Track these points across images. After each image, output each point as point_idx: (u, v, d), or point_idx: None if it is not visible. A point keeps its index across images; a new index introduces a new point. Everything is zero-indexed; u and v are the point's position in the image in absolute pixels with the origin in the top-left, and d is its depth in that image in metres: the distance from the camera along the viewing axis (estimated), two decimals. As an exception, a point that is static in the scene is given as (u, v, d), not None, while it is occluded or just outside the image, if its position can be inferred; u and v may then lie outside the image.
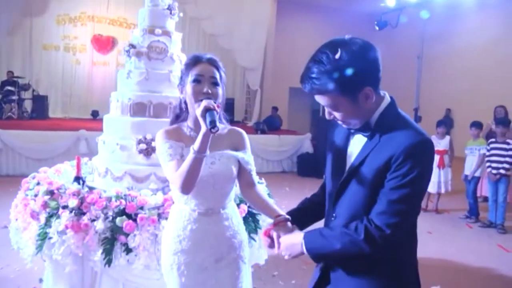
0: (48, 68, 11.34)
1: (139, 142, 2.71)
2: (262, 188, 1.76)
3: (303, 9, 12.96)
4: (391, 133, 1.23)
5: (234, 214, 1.74)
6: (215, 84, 1.59)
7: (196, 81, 1.58)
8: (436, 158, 5.86)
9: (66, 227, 2.30)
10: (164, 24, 3.05)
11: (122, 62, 11.22)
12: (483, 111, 8.34)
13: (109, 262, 2.26)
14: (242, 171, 1.67)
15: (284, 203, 2.17)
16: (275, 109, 11.56)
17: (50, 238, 2.34)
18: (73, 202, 2.38)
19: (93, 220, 2.32)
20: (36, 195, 2.57)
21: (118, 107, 2.92)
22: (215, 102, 1.50)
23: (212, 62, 1.62)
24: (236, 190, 1.79)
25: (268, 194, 2.64)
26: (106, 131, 2.99)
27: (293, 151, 8.89)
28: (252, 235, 2.46)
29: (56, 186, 2.56)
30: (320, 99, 1.26)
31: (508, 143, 5.08)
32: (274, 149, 8.66)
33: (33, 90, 10.17)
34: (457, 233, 5.10)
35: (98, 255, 2.27)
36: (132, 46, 2.98)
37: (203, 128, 1.42)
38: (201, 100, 1.50)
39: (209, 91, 1.56)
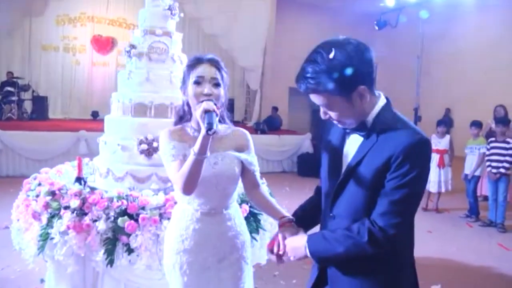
0: (48, 69, 11.33)
1: (140, 142, 2.72)
2: (264, 188, 1.77)
3: (303, 9, 12.97)
4: (389, 132, 1.24)
5: (237, 214, 1.74)
6: (217, 85, 1.60)
7: (197, 82, 1.58)
8: (436, 157, 5.88)
9: (68, 228, 2.31)
10: (165, 24, 3.05)
11: (122, 62, 11.23)
12: (483, 110, 8.35)
13: (111, 263, 2.27)
14: (246, 172, 1.67)
15: (284, 203, 2.17)
16: (275, 109, 11.56)
17: (52, 238, 2.34)
18: (75, 203, 2.39)
19: (95, 221, 2.33)
20: (37, 196, 2.58)
21: (119, 108, 2.92)
22: (215, 103, 1.51)
23: (213, 63, 1.62)
24: (238, 190, 1.79)
25: (270, 193, 2.65)
26: (107, 132, 3.00)
27: (293, 151, 8.90)
28: (253, 235, 2.47)
29: (57, 187, 2.57)
30: (315, 99, 1.27)
31: (508, 142, 5.09)
32: (274, 149, 8.67)
33: (33, 91, 10.17)
34: (458, 232, 5.10)
35: (100, 255, 2.28)
36: (133, 46, 2.99)
37: (203, 130, 1.43)
38: (202, 102, 1.50)
39: (210, 92, 1.57)
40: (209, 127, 1.41)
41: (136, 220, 2.31)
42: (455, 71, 11.96)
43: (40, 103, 10.00)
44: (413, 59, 8.90)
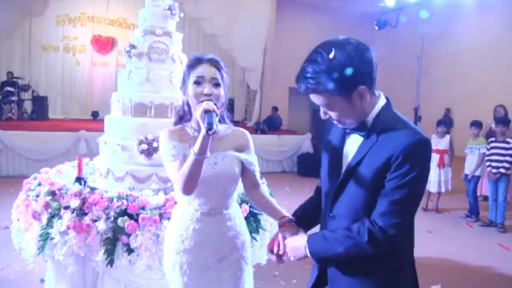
0: (48, 69, 11.33)
1: (141, 142, 2.72)
2: (264, 188, 1.77)
3: (303, 9, 12.97)
4: (389, 132, 1.24)
5: (237, 214, 1.74)
6: (216, 85, 1.59)
7: (197, 82, 1.58)
8: (436, 157, 5.88)
9: (68, 228, 2.31)
10: (165, 24, 3.05)
11: (121, 62, 11.23)
12: (483, 110, 8.35)
13: (111, 263, 2.27)
14: (246, 172, 1.67)
15: (284, 203, 2.17)
16: (275, 109, 11.56)
17: (52, 238, 2.34)
18: (75, 203, 2.39)
19: (95, 221, 2.33)
20: (37, 196, 2.58)
21: (119, 108, 2.92)
22: (215, 103, 1.50)
23: (213, 63, 1.62)
24: (238, 190, 1.79)
25: (270, 193, 2.65)
26: (107, 132, 3.00)
27: (293, 151, 8.91)
28: (253, 235, 2.47)
29: (57, 187, 2.57)
30: (315, 99, 1.27)
31: (508, 142, 5.09)
32: (274, 149, 8.67)
33: (33, 91, 10.17)
34: (458, 232, 5.11)
35: (100, 255, 2.28)
36: (133, 46, 2.98)
37: (203, 130, 1.43)
38: (202, 102, 1.50)
39: (210, 92, 1.56)
40: (209, 127, 1.40)
41: (136, 220, 2.31)
42: (455, 71, 11.96)
43: (40, 103, 10.00)
44: (413, 59, 8.90)
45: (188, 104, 1.65)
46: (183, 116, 1.69)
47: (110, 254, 2.27)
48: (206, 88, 1.57)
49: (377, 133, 1.26)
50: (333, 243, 1.26)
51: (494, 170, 5.16)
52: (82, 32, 11.53)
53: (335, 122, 1.33)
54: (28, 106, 9.97)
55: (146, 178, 2.68)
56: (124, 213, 2.34)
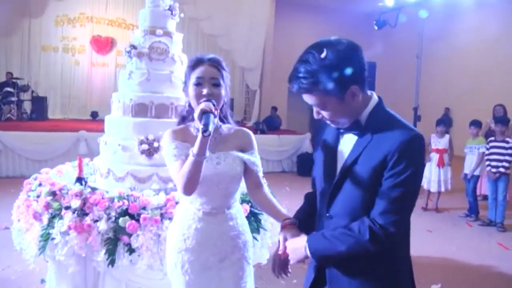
0: (47, 69, 11.32)
1: (141, 142, 2.72)
2: (266, 189, 1.77)
3: (302, 9, 12.97)
4: (383, 131, 1.25)
5: (239, 214, 1.74)
6: (216, 85, 1.59)
7: (197, 83, 1.59)
8: (436, 157, 5.89)
9: (69, 228, 2.31)
10: (165, 24, 3.06)
11: (121, 63, 11.24)
12: (482, 110, 8.35)
13: (112, 263, 2.27)
14: (249, 172, 1.67)
15: (284, 203, 2.17)
16: (274, 109, 11.57)
17: (53, 239, 2.34)
18: (75, 203, 2.39)
19: (96, 221, 2.33)
20: (38, 196, 2.58)
21: (119, 108, 2.92)
22: (214, 104, 1.50)
23: (213, 63, 1.62)
24: (240, 190, 1.79)
25: (271, 193, 2.65)
26: (108, 132, 3.00)
27: (293, 151, 8.91)
28: (254, 234, 2.47)
29: (58, 187, 2.57)
30: (308, 99, 1.28)
31: (507, 142, 5.10)
32: (274, 149, 8.67)
33: (32, 91, 10.16)
34: (457, 232, 5.11)
35: (101, 255, 2.28)
36: (133, 47, 2.99)
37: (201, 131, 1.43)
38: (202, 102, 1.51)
39: (210, 93, 1.56)
40: (205, 128, 1.40)
41: (137, 220, 2.31)
42: (454, 70, 11.97)
43: (40, 103, 9.99)
44: (412, 59, 8.91)
45: (190, 105, 1.65)
46: (186, 117, 1.69)
47: (111, 254, 2.27)
48: (206, 89, 1.57)
49: (371, 131, 1.27)
50: (334, 242, 1.27)
51: (493, 170, 5.17)
52: (81, 33, 11.52)
53: (328, 122, 1.34)
54: (27, 106, 9.96)
55: (147, 178, 2.69)
56: (125, 213, 2.34)
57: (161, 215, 2.34)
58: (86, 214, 2.37)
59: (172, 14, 3.06)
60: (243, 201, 2.43)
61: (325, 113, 1.29)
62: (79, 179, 2.72)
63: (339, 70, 1.20)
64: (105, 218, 2.32)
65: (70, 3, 11.19)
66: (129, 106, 2.84)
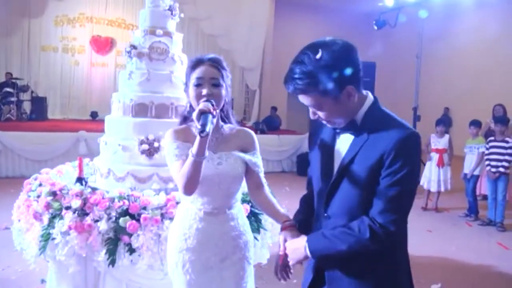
0: (47, 70, 11.32)
1: (141, 142, 2.72)
2: (267, 189, 1.77)
3: (301, 9, 12.98)
4: (379, 129, 1.26)
5: (240, 214, 1.75)
6: (216, 85, 1.59)
7: (197, 84, 1.59)
8: (436, 156, 5.90)
9: (70, 228, 2.31)
10: (165, 25, 3.06)
11: (120, 63, 11.24)
12: (482, 110, 8.36)
13: (112, 263, 2.27)
14: (250, 173, 1.67)
15: (284, 203, 2.18)
16: (274, 109, 11.57)
17: (54, 239, 2.34)
18: (76, 203, 2.39)
19: (96, 221, 2.33)
20: (39, 196, 2.58)
21: (119, 108, 2.92)
22: (213, 104, 1.49)
23: (213, 63, 1.61)
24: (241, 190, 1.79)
25: (271, 193, 2.65)
26: (108, 132, 3.00)
27: (292, 151, 8.92)
28: (254, 234, 2.47)
29: (58, 187, 2.57)
30: (304, 99, 1.29)
31: (507, 142, 5.11)
32: (274, 149, 8.68)
33: (32, 92, 10.15)
34: (457, 232, 5.12)
35: (101, 255, 2.28)
36: (134, 47, 2.99)
37: None
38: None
39: (210, 93, 1.56)
40: (202, 129, 1.39)
41: (138, 220, 2.31)
42: (454, 70, 11.98)
43: (39, 103, 9.99)
44: (412, 59, 8.90)
45: (191, 106, 1.65)
46: (188, 117, 1.69)
47: (111, 254, 2.27)
48: (205, 89, 1.56)
49: (367, 130, 1.28)
50: (334, 241, 1.27)
51: (493, 169, 5.18)
52: (81, 33, 11.52)
53: (324, 122, 1.34)
54: (27, 106, 9.95)
55: (147, 178, 2.69)
56: (125, 213, 2.35)
57: (162, 215, 2.35)
58: (87, 214, 2.37)
59: (172, 14, 3.06)
60: (243, 201, 2.43)
61: (321, 114, 1.30)
62: (80, 179, 2.73)
63: (334, 70, 1.21)
64: (106, 218, 2.32)
65: (70, 3, 11.19)
66: (129, 106, 2.84)
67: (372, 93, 1.37)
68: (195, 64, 1.62)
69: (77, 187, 2.56)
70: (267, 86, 12.40)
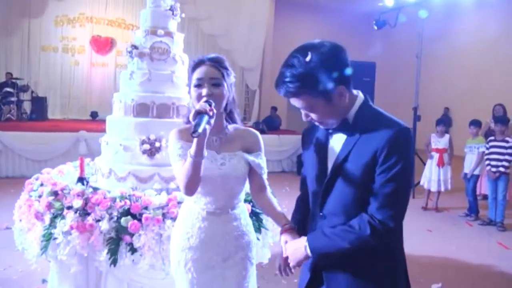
0: (47, 70, 11.32)
1: (143, 142, 2.72)
2: (269, 191, 1.78)
3: (301, 9, 12.98)
4: (370, 127, 1.27)
5: (243, 214, 1.75)
6: (216, 85, 1.58)
7: (197, 84, 1.59)
8: (436, 156, 5.91)
9: (71, 228, 2.32)
10: (166, 25, 3.06)
11: (120, 63, 11.24)
12: (482, 110, 8.37)
13: (114, 262, 2.28)
14: (253, 174, 1.67)
15: (284, 203, 2.18)
16: (274, 109, 11.57)
17: (55, 238, 2.35)
18: (77, 203, 2.39)
19: (98, 221, 2.34)
20: (40, 196, 2.59)
21: (121, 108, 2.93)
22: (211, 104, 1.47)
23: (213, 63, 1.60)
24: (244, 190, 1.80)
25: (271, 192, 2.66)
26: (109, 132, 3.00)
27: (292, 151, 8.92)
28: (256, 234, 2.48)
29: (60, 187, 2.57)
30: (296, 102, 1.31)
31: (507, 141, 5.12)
32: (274, 149, 8.68)
33: (32, 92, 10.15)
34: (457, 231, 5.12)
35: (103, 255, 2.29)
36: (135, 47, 2.99)
37: None
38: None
39: (210, 93, 1.55)
40: (194, 129, 1.37)
41: (139, 220, 2.32)
42: (454, 70, 11.99)
43: (39, 103, 9.98)
44: (412, 59, 8.89)
45: (194, 106, 1.65)
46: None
47: (113, 254, 2.28)
48: (205, 89, 1.56)
49: (359, 129, 1.29)
50: (335, 239, 1.28)
51: (493, 169, 5.18)
52: (81, 33, 11.52)
53: (317, 123, 1.36)
54: (27, 106, 9.95)
55: (148, 178, 2.69)
56: (127, 213, 2.35)
57: (163, 214, 2.35)
58: (88, 214, 2.37)
59: (173, 14, 3.07)
60: (245, 200, 2.44)
61: (313, 115, 1.32)
62: (81, 179, 2.73)
63: (324, 72, 1.22)
64: (107, 218, 2.33)
65: (70, 3, 11.19)
66: (131, 106, 2.85)
67: (372, 93, 1.38)
68: (196, 64, 1.62)
69: (79, 187, 2.57)
70: (267, 86, 12.39)
